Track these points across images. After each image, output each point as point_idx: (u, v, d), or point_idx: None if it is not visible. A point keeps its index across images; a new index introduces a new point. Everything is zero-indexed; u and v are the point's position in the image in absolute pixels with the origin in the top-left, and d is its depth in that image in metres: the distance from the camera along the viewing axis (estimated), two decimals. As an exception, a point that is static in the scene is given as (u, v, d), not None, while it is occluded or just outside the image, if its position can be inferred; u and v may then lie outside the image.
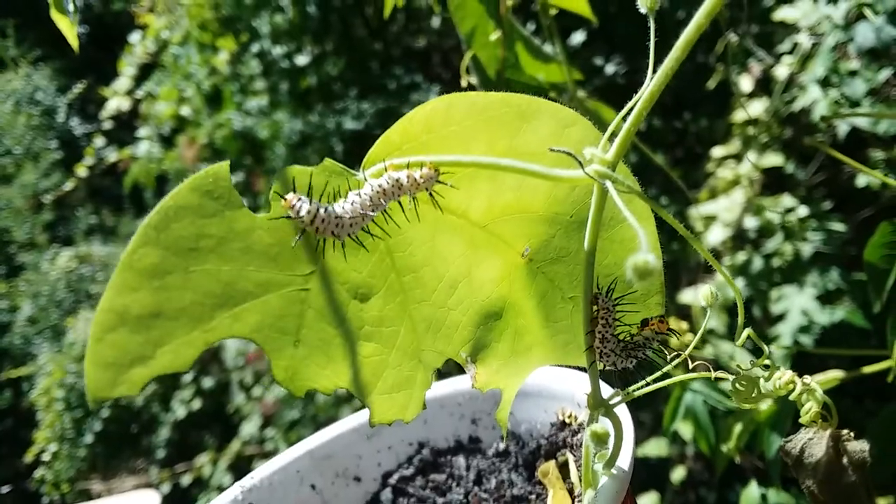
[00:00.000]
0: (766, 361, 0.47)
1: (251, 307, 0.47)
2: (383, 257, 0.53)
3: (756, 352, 1.79)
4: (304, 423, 2.93)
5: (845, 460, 0.45)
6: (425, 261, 0.54)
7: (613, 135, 0.43)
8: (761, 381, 0.47)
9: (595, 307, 0.48)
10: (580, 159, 0.42)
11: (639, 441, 2.20)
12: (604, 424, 0.48)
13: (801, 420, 0.47)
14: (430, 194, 0.45)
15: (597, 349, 0.48)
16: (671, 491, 2.20)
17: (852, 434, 0.47)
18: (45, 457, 3.60)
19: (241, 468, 3.10)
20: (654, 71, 0.42)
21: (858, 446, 0.46)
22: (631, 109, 0.42)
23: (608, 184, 0.40)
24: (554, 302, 0.55)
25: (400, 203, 0.47)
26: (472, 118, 0.48)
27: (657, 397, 2.30)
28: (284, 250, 0.47)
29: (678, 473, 2.15)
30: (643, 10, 0.45)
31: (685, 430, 1.45)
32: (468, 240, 0.54)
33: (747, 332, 0.47)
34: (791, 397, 0.46)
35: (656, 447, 2.14)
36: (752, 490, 1.24)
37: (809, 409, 0.46)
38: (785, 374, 0.45)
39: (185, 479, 3.34)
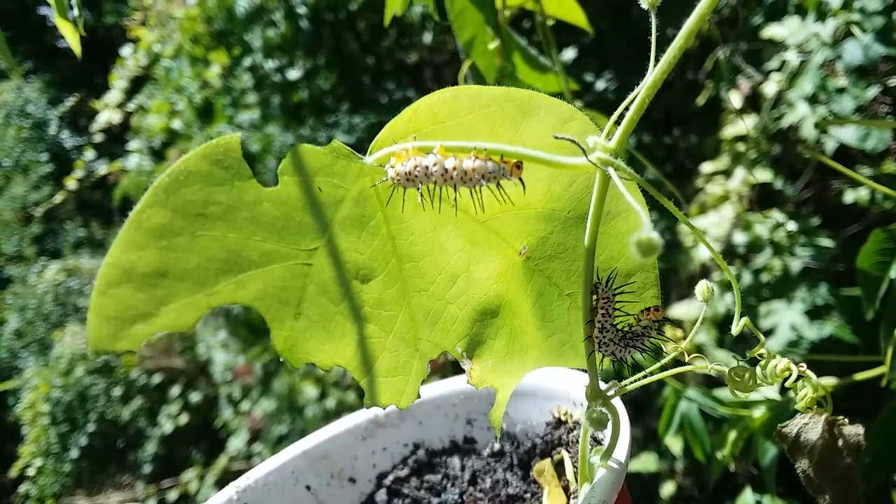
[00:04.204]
0: (762, 350, 0.47)
1: (255, 276, 0.47)
2: (385, 242, 0.53)
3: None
4: (293, 437, 2.91)
5: (841, 443, 0.46)
6: (426, 251, 0.55)
7: (614, 126, 0.44)
8: (757, 369, 0.47)
9: (595, 297, 0.49)
10: (584, 147, 0.42)
11: (630, 456, 2.20)
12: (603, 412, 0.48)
13: (796, 406, 0.48)
14: (498, 185, 0.45)
15: (596, 339, 0.49)
16: (661, 506, 2.19)
17: (847, 420, 0.47)
18: (30, 472, 3.56)
19: (228, 484, 3.06)
20: (657, 61, 0.43)
21: (854, 430, 0.46)
22: (633, 100, 0.43)
23: (611, 170, 0.41)
24: (550, 301, 0.55)
25: (459, 186, 0.45)
26: (476, 111, 0.49)
27: (648, 412, 2.30)
28: (290, 224, 0.48)
29: (668, 489, 2.16)
30: (644, 5, 0.46)
31: (675, 445, 1.45)
32: (468, 235, 0.55)
33: (744, 321, 0.48)
34: (787, 384, 0.46)
35: (646, 463, 2.15)
36: (748, 497, 1.25)
37: (805, 395, 0.46)
38: (781, 361, 0.46)
39: (172, 495, 3.31)
